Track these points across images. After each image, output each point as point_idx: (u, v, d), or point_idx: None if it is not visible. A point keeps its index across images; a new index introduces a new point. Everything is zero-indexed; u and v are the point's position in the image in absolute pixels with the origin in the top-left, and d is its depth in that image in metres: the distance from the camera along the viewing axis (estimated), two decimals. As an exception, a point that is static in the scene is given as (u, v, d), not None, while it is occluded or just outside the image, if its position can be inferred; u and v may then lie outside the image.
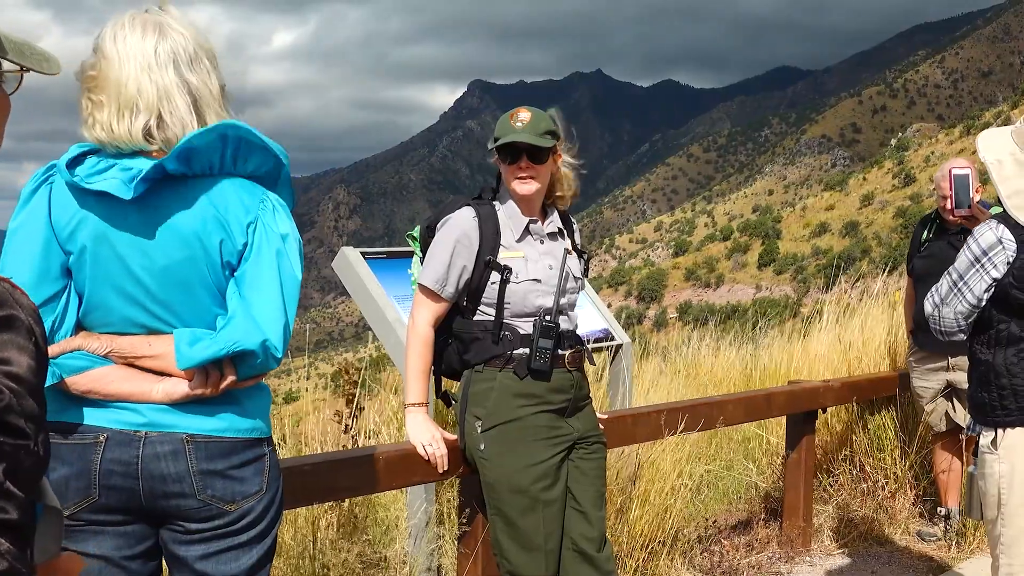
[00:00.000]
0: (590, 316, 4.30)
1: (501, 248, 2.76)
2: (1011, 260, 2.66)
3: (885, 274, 7.50)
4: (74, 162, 1.79)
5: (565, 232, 2.92)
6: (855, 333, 5.98)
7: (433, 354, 2.84)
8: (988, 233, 2.71)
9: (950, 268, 2.79)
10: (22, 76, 1.24)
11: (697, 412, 3.99)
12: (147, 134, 1.78)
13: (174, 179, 1.79)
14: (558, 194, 2.90)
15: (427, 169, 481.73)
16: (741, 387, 5.97)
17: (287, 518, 3.18)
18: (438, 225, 2.83)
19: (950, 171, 3.72)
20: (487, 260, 2.74)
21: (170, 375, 1.79)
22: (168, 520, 1.81)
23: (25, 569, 0.98)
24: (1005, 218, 2.71)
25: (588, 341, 4.09)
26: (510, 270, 2.74)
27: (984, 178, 3.43)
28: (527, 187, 2.76)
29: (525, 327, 2.74)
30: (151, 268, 1.79)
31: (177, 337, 1.77)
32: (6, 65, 1.21)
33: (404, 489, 3.55)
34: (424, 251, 2.89)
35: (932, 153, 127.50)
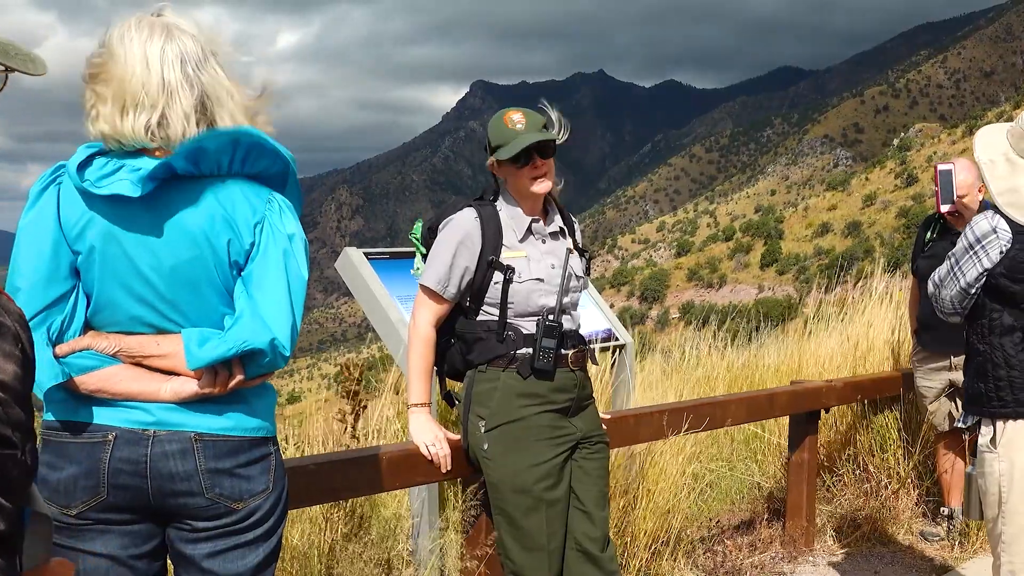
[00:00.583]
0: (593, 316, 4.30)
1: (503, 248, 2.77)
2: (1004, 250, 2.74)
3: (887, 274, 7.50)
4: (82, 164, 1.79)
5: (567, 231, 2.93)
6: (858, 333, 5.98)
7: (436, 355, 2.85)
8: (983, 222, 2.80)
9: (951, 252, 2.89)
10: (7, 77, 1.25)
11: (700, 412, 3.99)
12: (148, 131, 1.78)
13: (182, 179, 1.80)
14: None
15: (429, 170, 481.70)
16: (743, 387, 5.97)
17: (291, 518, 3.18)
18: (440, 226, 2.83)
19: (935, 167, 3.74)
20: (490, 260, 2.75)
21: (178, 374, 1.80)
22: (175, 519, 1.82)
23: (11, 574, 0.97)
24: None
25: (595, 340, 4.09)
26: (513, 270, 2.74)
27: None
28: (544, 185, 2.78)
29: (528, 327, 2.75)
30: (159, 267, 1.79)
31: (186, 337, 1.78)
32: None
33: (407, 489, 3.55)
34: (426, 251, 2.90)
35: (935, 153, 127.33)
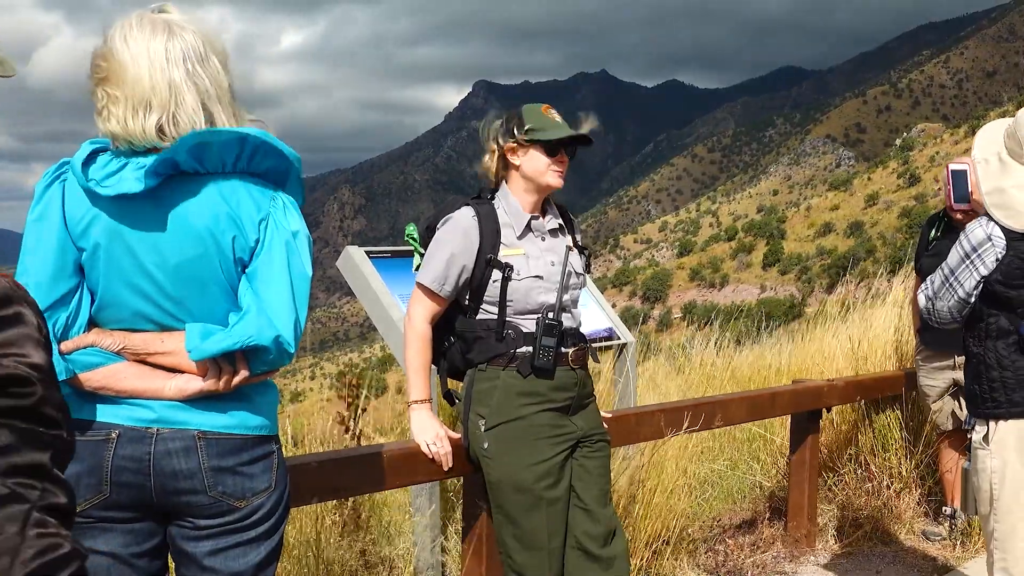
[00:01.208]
0: (594, 315, 4.30)
1: (502, 246, 2.77)
2: (999, 257, 2.74)
3: (889, 274, 7.49)
4: (86, 162, 1.79)
5: (566, 228, 2.93)
6: (860, 332, 5.97)
7: (435, 354, 2.85)
8: (978, 230, 2.79)
9: (943, 263, 2.87)
10: None
11: (701, 411, 3.99)
12: (160, 131, 1.79)
13: (186, 176, 1.80)
14: None
15: (432, 169, 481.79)
16: (745, 386, 5.96)
17: (292, 516, 3.19)
18: (438, 225, 2.84)
19: (947, 167, 3.74)
20: (488, 258, 2.75)
21: (182, 372, 1.80)
22: (177, 516, 1.82)
23: (83, 550, 1.02)
24: None
25: (597, 340, 4.09)
26: (512, 267, 2.74)
27: None
28: (560, 179, 2.83)
29: (528, 325, 2.75)
30: (164, 265, 1.80)
31: (189, 330, 1.78)
32: None
33: (408, 487, 3.56)
34: (424, 251, 2.90)
35: (937, 153, 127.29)
